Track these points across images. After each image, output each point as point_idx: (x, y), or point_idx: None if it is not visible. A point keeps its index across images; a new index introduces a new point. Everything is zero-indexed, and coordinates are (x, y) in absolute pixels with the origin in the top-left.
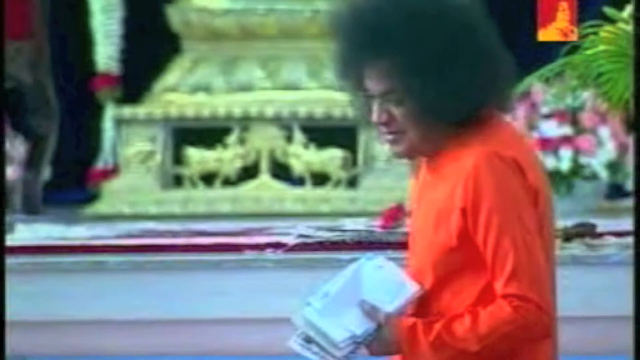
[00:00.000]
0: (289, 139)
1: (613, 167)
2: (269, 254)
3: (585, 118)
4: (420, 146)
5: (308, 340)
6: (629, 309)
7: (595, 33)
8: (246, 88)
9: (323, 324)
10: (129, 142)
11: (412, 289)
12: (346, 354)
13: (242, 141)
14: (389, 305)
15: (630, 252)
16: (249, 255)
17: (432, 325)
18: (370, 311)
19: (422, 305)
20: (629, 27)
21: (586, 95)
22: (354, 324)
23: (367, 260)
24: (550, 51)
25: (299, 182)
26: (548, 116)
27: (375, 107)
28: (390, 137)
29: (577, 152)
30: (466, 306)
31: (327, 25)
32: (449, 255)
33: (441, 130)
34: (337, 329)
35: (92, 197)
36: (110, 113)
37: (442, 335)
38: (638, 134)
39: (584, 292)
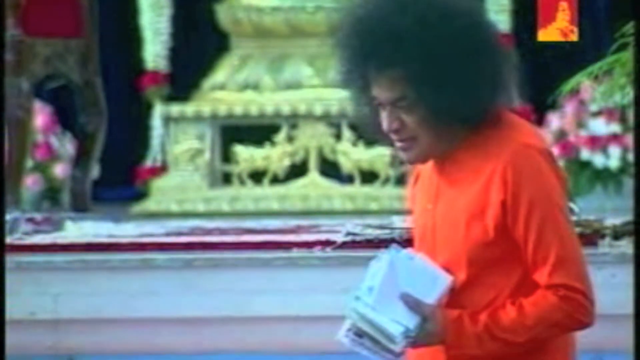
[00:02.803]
0: (338, 136)
1: None
2: (317, 251)
3: (634, 116)
4: (433, 151)
5: (359, 334)
6: None
7: None
8: (294, 86)
9: (379, 319)
10: (178, 140)
11: (446, 279)
12: (402, 348)
13: (290, 139)
14: (428, 297)
15: None
16: (297, 253)
17: (477, 317)
18: (414, 304)
19: (455, 298)
20: None
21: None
22: (405, 318)
23: (396, 252)
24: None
25: (347, 179)
26: (597, 114)
27: (385, 115)
28: (401, 144)
29: (625, 149)
30: (501, 298)
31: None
32: (485, 250)
33: (454, 133)
34: (391, 323)
35: (140, 195)
36: (158, 111)
37: (490, 327)
38: (638, 131)
39: (632, 290)
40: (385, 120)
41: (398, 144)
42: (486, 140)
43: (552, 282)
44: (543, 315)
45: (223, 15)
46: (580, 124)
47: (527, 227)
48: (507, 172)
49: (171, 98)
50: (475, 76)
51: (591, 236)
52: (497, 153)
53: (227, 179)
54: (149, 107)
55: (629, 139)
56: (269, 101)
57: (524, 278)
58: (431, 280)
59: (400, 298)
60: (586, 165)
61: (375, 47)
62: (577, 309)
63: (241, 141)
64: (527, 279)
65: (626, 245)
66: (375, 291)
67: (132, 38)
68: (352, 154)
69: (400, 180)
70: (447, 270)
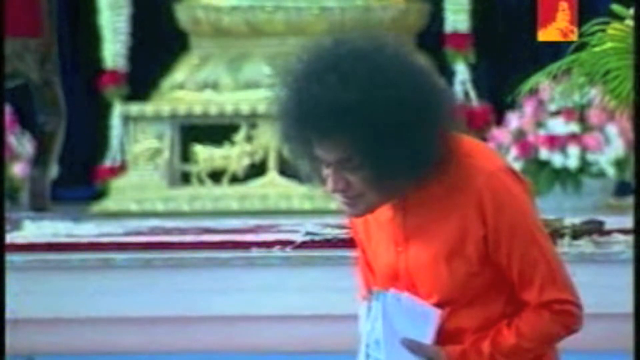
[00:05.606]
0: None
1: (620, 164)
2: (276, 251)
3: (593, 115)
4: (380, 204)
5: None
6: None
7: (602, 30)
8: (254, 85)
9: None
10: (137, 139)
11: (435, 313)
12: None
13: (249, 138)
14: (424, 335)
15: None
16: (256, 252)
17: (480, 347)
18: (417, 348)
19: (448, 327)
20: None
21: (593, 92)
22: None
23: (383, 296)
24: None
25: None
26: (555, 113)
27: (329, 174)
28: (346, 200)
29: (584, 149)
30: (493, 318)
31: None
32: (471, 281)
33: (402, 185)
34: None
35: (99, 195)
36: (118, 110)
37: (494, 355)
38: (638, 133)
39: (591, 289)
40: (329, 180)
41: (343, 201)
42: (448, 176)
43: (543, 299)
44: (541, 333)
45: (182, 14)
46: (539, 124)
47: (510, 253)
48: (482, 205)
49: (130, 97)
50: (421, 137)
51: (550, 236)
52: (465, 187)
53: (186, 178)
54: (108, 107)
55: (588, 139)
56: (228, 101)
57: (512, 295)
58: (422, 318)
59: (402, 344)
60: (545, 164)
61: (317, 119)
62: (572, 319)
63: (200, 141)
64: (516, 295)
65: (585, 245)
66: (382, 344)
67: (91, 37)
68: None
69: None
70: (437, 306)
